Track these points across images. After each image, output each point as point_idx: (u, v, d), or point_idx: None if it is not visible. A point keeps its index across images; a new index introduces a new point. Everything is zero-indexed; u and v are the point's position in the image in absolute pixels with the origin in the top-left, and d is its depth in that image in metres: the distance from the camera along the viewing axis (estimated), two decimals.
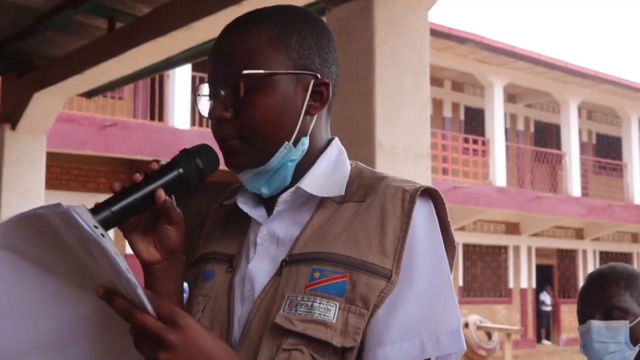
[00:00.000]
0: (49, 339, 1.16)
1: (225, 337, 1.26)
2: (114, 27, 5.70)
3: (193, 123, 15.01)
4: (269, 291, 1.24)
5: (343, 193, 1.29)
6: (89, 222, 1.01)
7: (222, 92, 1.28)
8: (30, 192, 6.78)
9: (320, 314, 1.17)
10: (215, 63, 1.32)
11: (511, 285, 21.79)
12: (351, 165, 1.37)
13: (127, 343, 1.10)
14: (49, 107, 6.85)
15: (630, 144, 23.31)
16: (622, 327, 2.12)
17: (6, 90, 7.18)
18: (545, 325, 22.59)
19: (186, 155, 1.26)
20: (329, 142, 1.38)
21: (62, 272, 1.12)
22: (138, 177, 1.22)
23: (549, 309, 22.49)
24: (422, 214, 1.25)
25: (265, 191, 1.32)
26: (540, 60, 19.54)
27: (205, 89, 1.34)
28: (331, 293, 1.19)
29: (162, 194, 1.21)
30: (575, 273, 23.54)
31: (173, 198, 1.28)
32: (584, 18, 76.16)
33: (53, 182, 13.04)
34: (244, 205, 1.34)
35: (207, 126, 15.27)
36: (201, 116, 15.21)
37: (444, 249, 1.26)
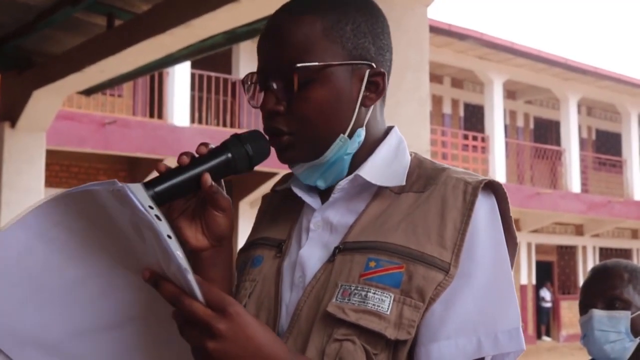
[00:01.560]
0: (90, 325, 1.12)
1: (272, 324, 1.23)
2: (113, 25, 5.69)
3: (192, 120, 14.99)
4: (320, 278, 1.21)
5: (404, 183, 1.25)
6: (144, 202, 0.98)
7: (274, 85, 1.24)
8: (30, 189, 6.75)
9: (374, 305, 1.14)
10: (266, 54, 1.27)
11: None
12: (411, 155, 1.33)
13: (172, 332, 1.06)
14: (49, 104, 6.84)
15: (630, 140, 23.30)
16: (624, 317, 2.15)
17: (6, 88, 7.17)
18: (545, 321, 22.60)
19: (237, 140, 1.22)
20: (387, 130, 1.34)
21: (108, 253, 1.08)
22: (185, 159, 1.18)
23: (548, 305, 22.49)
24: (484, 207, 1.21)
25: (321, 184, 1.30)
26: (540, 56, 19.52)
27: (253, 78, 1.29)
28: (386, 284, 1.15)
29: (208, 178, 1.17)
30: (575, 269, 23.54)
31: (222, 183, 1.26)
32: (584, 14, 76.18)
33: (53, 179, 13.03)
34: (299, 190, 1.31)
35: (207, 123, 15.29)
36: (200, 113, 15.31)
37: (505, 244, 1.23)
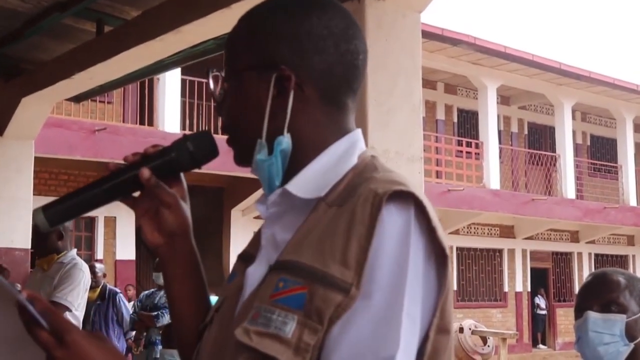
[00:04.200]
0: None
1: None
2: (102, 31, 5.64)
3: (183, 127, 14.97)
4: (251, 298, 1.18)
5: (322, 194, 1.18)
6: None
7: (217, 89, 1.29)
8: (18, 198, 6.74)
9: (276, 327, 1.09)
10: None
11: (506, 289, 21.77)
12: (363, 161, 1.22)
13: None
14: (37, 112, 6.80)
15: (625, 146, 23.32)
16: (619, 320, 2.14)
17: None
18: (540, 329, 22.56)
19: (181, 139, 1.29)
20: (341, 137, 1.25)
21: None
22: (130, 157, 1.28)
23: (543, 312, 22.46)
24: (392, 220, 1.10)
25: (266, 192, 1.26)
26: (534, 61, 19.54)
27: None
28: (290, 305, 1.10)
29: (145, 172, 1.25)
30: (571, 276, 23.53)
31: (183, 180, 1.34)
32: (577, 19, 76.47)
33: (42, 187, 12.99)
34: (259, 204, 1.29)
35: (198, 130, 15.24)
36: (191, 120, 15.27)
37: (416, 262, 1.11)
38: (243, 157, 1.26)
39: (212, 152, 1.29)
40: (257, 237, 1.32)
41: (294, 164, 1.22)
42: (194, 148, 1.28)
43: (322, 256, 1.11)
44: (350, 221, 1.11)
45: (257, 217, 16.44)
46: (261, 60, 1.22)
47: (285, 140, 1.21)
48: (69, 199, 1.27)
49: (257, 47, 1.23)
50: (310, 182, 1.20)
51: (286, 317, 1.09)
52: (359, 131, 1.28)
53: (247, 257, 1.30)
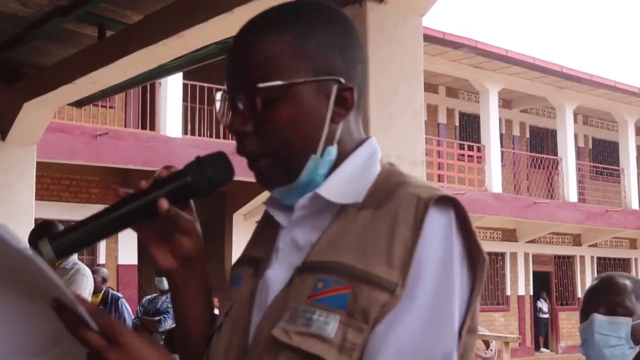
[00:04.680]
0: (8, 351, 1.14)
1: (243, 346, 1.21)
2: (104, 36, 5.63)
3: (185, 132, 14.96)
4: (280, 300, 1.19)
5: (360, 200, 1.20)
6: (18, 241, 1.00)
7: (240, 105, 1.22)
8: (20, 203, 6.71)
9: (318, 327, 1.10)
10: (231, 75, 1.25)
11: (508, 292, 21.76)
12: (384, 167, 1.27)
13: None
14: (39, 117, 6.79)
15: (627, 149, 23.32)
16: (625, 323, 2.16)
17: None
18: (543, 333, 22.53)
19: (197, 164, 1.23)
20: (361, 143, 1.28)
21: (18, 285, 1.10)
22: (144, 184, 1.23)
23: (546, 316, 22.43)
24: (437, 224, 1.15)
25: (292, 201, 1.26)
26: (535, 65, 19.55)
27: (225, 97, 1.27)
28: (332, 305, 1.11)
29: (164, 203, 1.20)
30: (573, 279, 23.52)
31: (192, 204, 1.29)
32: (579, 22, 76.47)
33: (44, 192, 12.97)
34: (272, 208, 1.29)
35: (200, 135, 15.26)
36: (193, 124, 15.28)
37: (457, 263, 1.15)
38: (290, 176, 1.23)
39: (229, 176, 1.26)
40: (260, 240, 1.34)
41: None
42: (213, 174, 1.23)
43: (364, 257, 1.13)
44: (392, 223, 1.15)
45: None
46: (318, 72, 1.21)
47: (333, 151, 1.23)
48: (77, 228, 1.21)
49: (310, 59, 1.21)
50: (340, 187, 1.22)
51: (328, 317, 1.11)
52: (374, 138, 1.31)
53: (253, 261, 1.30)
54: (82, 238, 1.21)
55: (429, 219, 1.14)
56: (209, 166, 1.23)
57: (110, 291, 9.13)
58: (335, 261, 1.15)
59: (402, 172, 1.27)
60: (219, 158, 1.25)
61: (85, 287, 4.68)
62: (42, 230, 4.91)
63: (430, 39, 16.52)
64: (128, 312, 9.00)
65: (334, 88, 1.21)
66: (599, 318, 2.17)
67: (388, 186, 1.21)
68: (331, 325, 1.10)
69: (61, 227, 4.86)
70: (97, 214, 1.21)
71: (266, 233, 1.32)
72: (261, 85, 1.19)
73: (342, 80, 1.22)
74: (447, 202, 1.17)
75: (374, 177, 1.24)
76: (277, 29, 1.22)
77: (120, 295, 9.55)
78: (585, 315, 2.23)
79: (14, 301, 1.12)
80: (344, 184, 1.22)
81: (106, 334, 1.07)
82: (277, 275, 1.22)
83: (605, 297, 2.20)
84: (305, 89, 1.20)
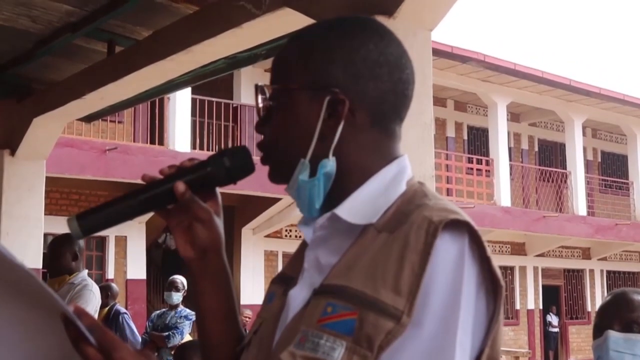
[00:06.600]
0: None
1: None
2: (113, 51, 5.66)
3: (194, 146, 14.97)
4: (296, 321, 1.17)
5: (374, 220, 1.17)
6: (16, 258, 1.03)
7: (259, 103, 1.29)
8: (29, 217, 6.71)
9: (324, 353, 1.08)
10: None
11: (518, 306, 21.66)
12: (412, 187, 1.23)
13: None
14: (49, 132, 6.80)
15: (636, 162, 23.24)
16: None
17: (5, 116, 7.13)
18: (552, 347, 22.40)
19: (218, 154, 1.29)
20: (390, 162, 1.26)
21: (25, 301, 1.12)
22: (166, 170, 1.28)
23: (556, 330, 22.31)
24: (447, 249, 1.10)
25: (304, 213, 1.27)
26: (544, 78, 19.51)
27: None
28: (339, 330, 1.09)
29: (180, 186, 1.24)
30: (583, 293, 23.40)
31: (218, 195, 1.33)
32: (587, 35, 76.46)
33: (53, 207, 12.99)
34: (301, 224, 1.30)
35: (208, 149, 15.27)
36: (202, 139, 15.30)
37: (471, 291, 1.12)
38: (279, 175, 1.27)
39: (248, 169, 1.29)
40: (296, 259, 1.32)
41: (339, 188, 1.23)
42: (230, 164, 1.28)
43: (373, 282, 1.11)
44: (403, 248, 1.11)
45: (268, 236, 16.42)
46: (315, 81, 1.22)
47: (330, 164, 1.22)
48: (103, 208, 1.27)
49: (311, 67, 1.23)
50: (359, 207, 1.20)
51: (334, 343, 1.09)
52: (406, 157, 1.29)
53: (286, 279, 1.30)
54: (107, 217, 1.26)
55: (438, 244, 1.10)
56: (228, 157, 1.28)
57: (116, 307, 9.10)
58: (346, 285, 1.12)
59: (428, 193, 1.22)
60: (240, 151, 1.29)
61: (92, 303, 4.66)
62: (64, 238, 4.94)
63: (439, 52, 16.52)
64: (129, 327, 8.93)
65: (326, 99, 1.21)
66: (614, 335, 2.14)
67: (408, 208, 1.17)
68: (337, 351, 1.08)
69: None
70: (122, 196, 1.27)
71: (300, 251, 1.32)
72: (261, 84, 1.26)
73: (337, 92, 1.21)
74: (461, 226, 1.13)
75: (395, 197, 1.21)
76: (299, 37, 1.28)
77: (124, 311, 9.52)
78: (598, 332, 2.20)
79: (31, 317, 1.13)
80: (363, 203, 1.20)
81: (102, 349, 1.09)
82: (298, 295, 1.22)
83: (620, 314, 2.17)
84: (299, 95, 1.23)
